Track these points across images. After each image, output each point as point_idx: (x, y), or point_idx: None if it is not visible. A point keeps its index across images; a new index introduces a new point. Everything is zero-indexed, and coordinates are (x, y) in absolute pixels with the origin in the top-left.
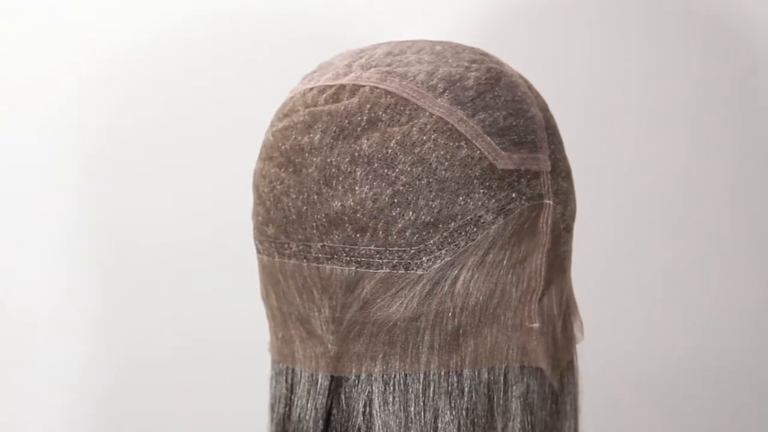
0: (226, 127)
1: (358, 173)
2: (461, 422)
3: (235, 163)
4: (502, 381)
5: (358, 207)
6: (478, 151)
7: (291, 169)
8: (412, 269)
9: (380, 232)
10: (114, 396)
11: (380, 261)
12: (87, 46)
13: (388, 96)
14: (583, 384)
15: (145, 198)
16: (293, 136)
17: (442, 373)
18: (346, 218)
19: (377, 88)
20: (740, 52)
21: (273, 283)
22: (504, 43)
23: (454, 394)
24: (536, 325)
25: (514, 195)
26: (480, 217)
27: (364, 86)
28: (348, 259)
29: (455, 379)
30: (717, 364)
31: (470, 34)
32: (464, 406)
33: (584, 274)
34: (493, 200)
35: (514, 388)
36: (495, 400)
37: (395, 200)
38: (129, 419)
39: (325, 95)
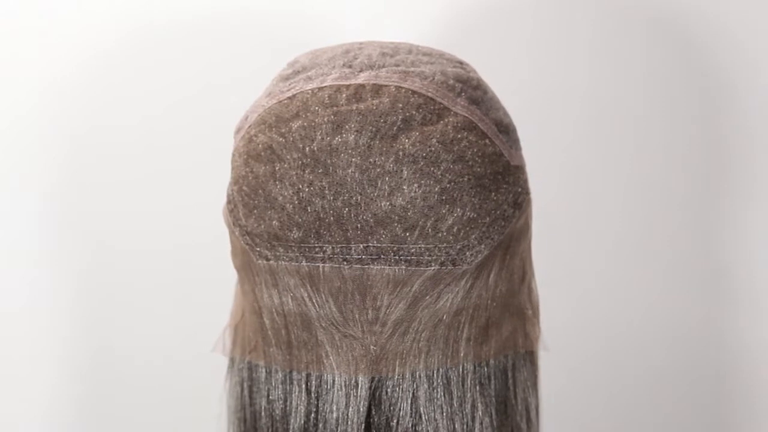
0: (219, 127)
1: (405, 172)
2: (492, 410)
3: (220, 165)
4: (512, 366)
5: (409, 206)
6: (498, 148)
7: (321, 171)
8: (459, 265)
9: (429, 230)
10: (90, 398)
11: (429, 258)
12: (68, 45)
13: (416, 95)
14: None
15: (127, 201)
16: (318, 137)
17: (476, 365)
18: (395, 217)
19: (402, 87)
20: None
21: (291, 289)
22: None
23: (484, 383)
24: (530, 311)
25: (519, 189)
26: (505, 211)
27: (387, 86)
28: (396, 258)
29: (485, 369)
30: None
31: (438, 35)
32: (492, 394)
33: (581, 274)
34: (511, 195)
35: (521, 372)
36: (509, 385)
37: (443, 197)
38: (105, 422)
39: (345, 95)
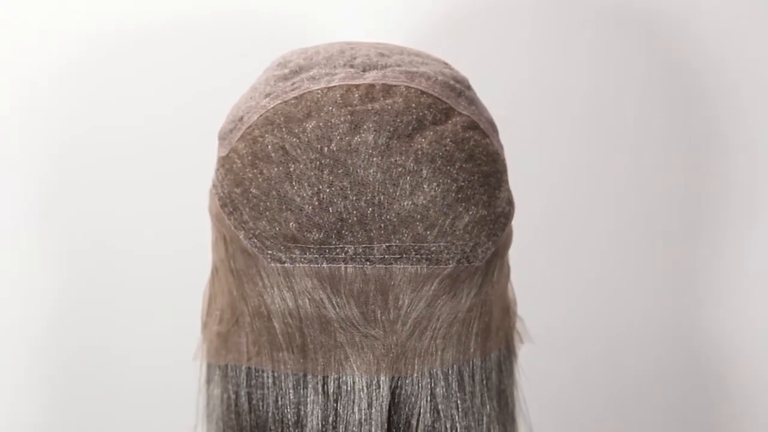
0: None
1: (424, 171)
2: (495, 402)
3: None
4: (503, 359)
5: (430, 204)
6: (496, 147)
7: (341, 171)
8: (473, 262)
9: (447, 228)
10: (81, 399)
11: (448, 256)
12: (69, 45)
13: (424, 95)
14: None
15: (127, 201)
16: (336, 137)
17: (482, 360)
18: (418, 216)
19: (411, 87)
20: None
21: (308, 291)
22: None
23: (489, 377)
24: (513, 306)
25: (509, 187)
26: (504, 208)
27: (397, 86)
28: (418, 257)
29: (488, 363)
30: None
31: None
32: (493, 387)
33: (581, 274)
34: (506, 193)
35: (508, 364)
36: (502, 377)
37: (460, 196)
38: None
39: (357, 94)
